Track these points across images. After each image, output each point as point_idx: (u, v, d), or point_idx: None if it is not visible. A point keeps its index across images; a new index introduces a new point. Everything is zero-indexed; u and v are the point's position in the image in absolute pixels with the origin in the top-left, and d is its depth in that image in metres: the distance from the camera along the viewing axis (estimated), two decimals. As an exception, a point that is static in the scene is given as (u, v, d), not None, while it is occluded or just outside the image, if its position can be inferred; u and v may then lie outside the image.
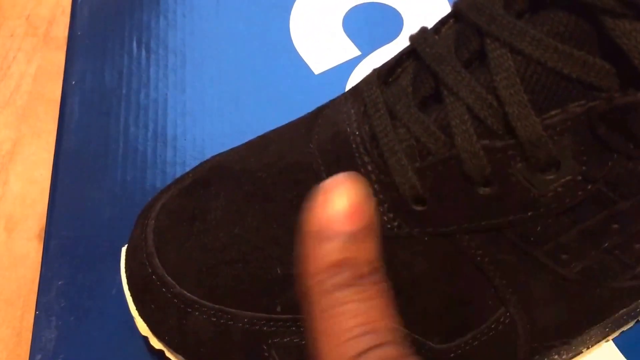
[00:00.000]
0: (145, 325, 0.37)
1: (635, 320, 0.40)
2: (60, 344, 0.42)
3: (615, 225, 0.32)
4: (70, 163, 0.51)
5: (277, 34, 0.58)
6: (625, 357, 0.40)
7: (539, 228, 0.32)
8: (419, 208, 0.32)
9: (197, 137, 0.52)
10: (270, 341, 0.34)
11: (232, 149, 0.40)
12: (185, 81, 0.55)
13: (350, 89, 0.37)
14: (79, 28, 0.59)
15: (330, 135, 0.35)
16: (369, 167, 0.33)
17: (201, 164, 0.40)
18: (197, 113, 0.53)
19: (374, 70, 0.36)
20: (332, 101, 0.38)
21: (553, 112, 0.30)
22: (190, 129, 0.52)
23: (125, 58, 0.57)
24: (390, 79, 0.35)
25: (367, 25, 0.59)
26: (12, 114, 0.64)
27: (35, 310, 0.43)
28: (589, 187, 0.31)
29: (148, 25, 0.59)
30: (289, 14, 0.60)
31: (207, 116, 0.53)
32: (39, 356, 0.42)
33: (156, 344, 0.37)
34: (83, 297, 0.44)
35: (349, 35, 0.58)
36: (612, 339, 0.40)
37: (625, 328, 0.40)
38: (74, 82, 0.56)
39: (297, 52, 0.57)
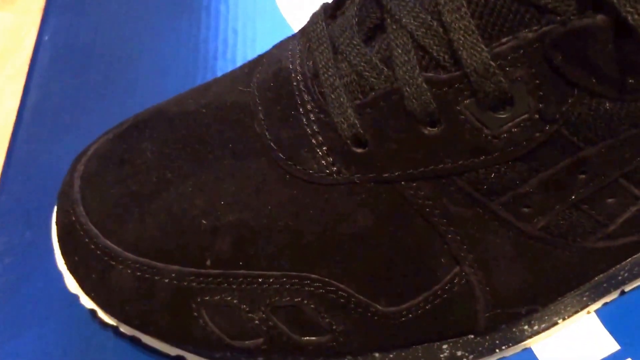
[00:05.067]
0: (73, 280, 0.34)
1: (620, 291, 0.36)
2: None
3: (582, 176, 0.29)
4: (32, 117, 0.48)
5: None
6: (609, 332, 0.36)
7: (493, 175, 0.28)
8: (359, 150, 0.29)
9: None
10: (199, 299, 0.31)
11: (178, 94, 0.37)
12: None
13: (301, 27, 0.33)
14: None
15: (272, 73, 0.32)
16: (309, 106, 0.30)
17: (146, 109, 0.37)
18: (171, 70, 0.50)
19: (323, 4, 0.32)
20: (281, 40, 0.34)
21: (504, 40, 0.26)
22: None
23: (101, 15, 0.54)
24: (337, 13, 0.31)
25: None
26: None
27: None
28: (547, 127, 0.27)
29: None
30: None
31: (181, 72, 0.50)
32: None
33: (87, 302, 0.34)
34: (28, 255, 0.41)
35: None
36: (594, 311, 0.36)
37: (607, 299, 0.36)
38: (46, 38, 0.53)
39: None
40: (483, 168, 0.28)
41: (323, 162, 0.30)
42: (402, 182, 0.29)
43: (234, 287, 0.31)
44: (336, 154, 0.29)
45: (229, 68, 0.48)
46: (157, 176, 0.32)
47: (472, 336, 0.33)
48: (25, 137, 0.47)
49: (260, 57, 0.34)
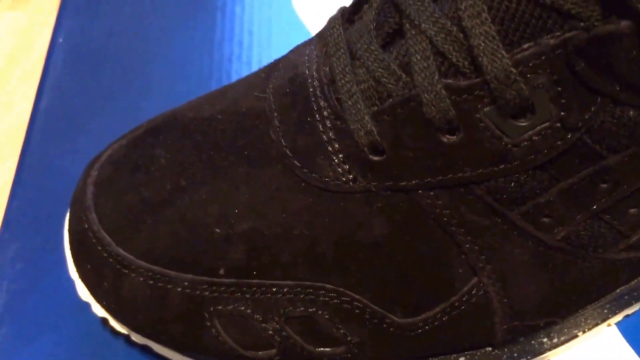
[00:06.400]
0: (85, 288, 0.33)
1: (642, 303, 0.35)
2: (7, 309, 0.39)
3: (604, 185, 0.28)
4: (46, 121, 0.47)
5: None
6: (630, 345, 0.35)
7: (513, 184, 0.28)
8: (376, 158, 0.28)
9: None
10: (212, 309, 0.31)
11: (193, 99, 0.36)
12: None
13: (318, 32, 0.33)
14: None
15: (288, 78, 0.31)
16: (325, 113, 0.29)
17: (160, 114, 0.36)
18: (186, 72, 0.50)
19: (340, 8, 0.32)
20: (298, 45, 0.34)
21: (525, 46, 0.25)
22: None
23: (115, 17, 0.54)
24: (355, 17, 0.31)
25: None
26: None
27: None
28: (569, 136, 0.26)
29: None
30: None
31: (195, 75, 0.49)
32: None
33: (99, 310, 0.34)
34: (40, 260, 0.40)
35: None
36: (615, 324, 0.35)
37: (629, 311, 0.35)
38: (60, 40, 0.52)
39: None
40: (502, 177, 0.28)
41: (339, 169, 0.29)
42: (420, 191, 0.28)
43: (248, 296, 0.30)
44: (352, 161, 0.29)
45: (244, 70, 0.48)
46: (171, 183, 0.31)
47: (490, 349, 0.32)
48: (38, 141, 0.47)
49: (277, 62, 0.33)
